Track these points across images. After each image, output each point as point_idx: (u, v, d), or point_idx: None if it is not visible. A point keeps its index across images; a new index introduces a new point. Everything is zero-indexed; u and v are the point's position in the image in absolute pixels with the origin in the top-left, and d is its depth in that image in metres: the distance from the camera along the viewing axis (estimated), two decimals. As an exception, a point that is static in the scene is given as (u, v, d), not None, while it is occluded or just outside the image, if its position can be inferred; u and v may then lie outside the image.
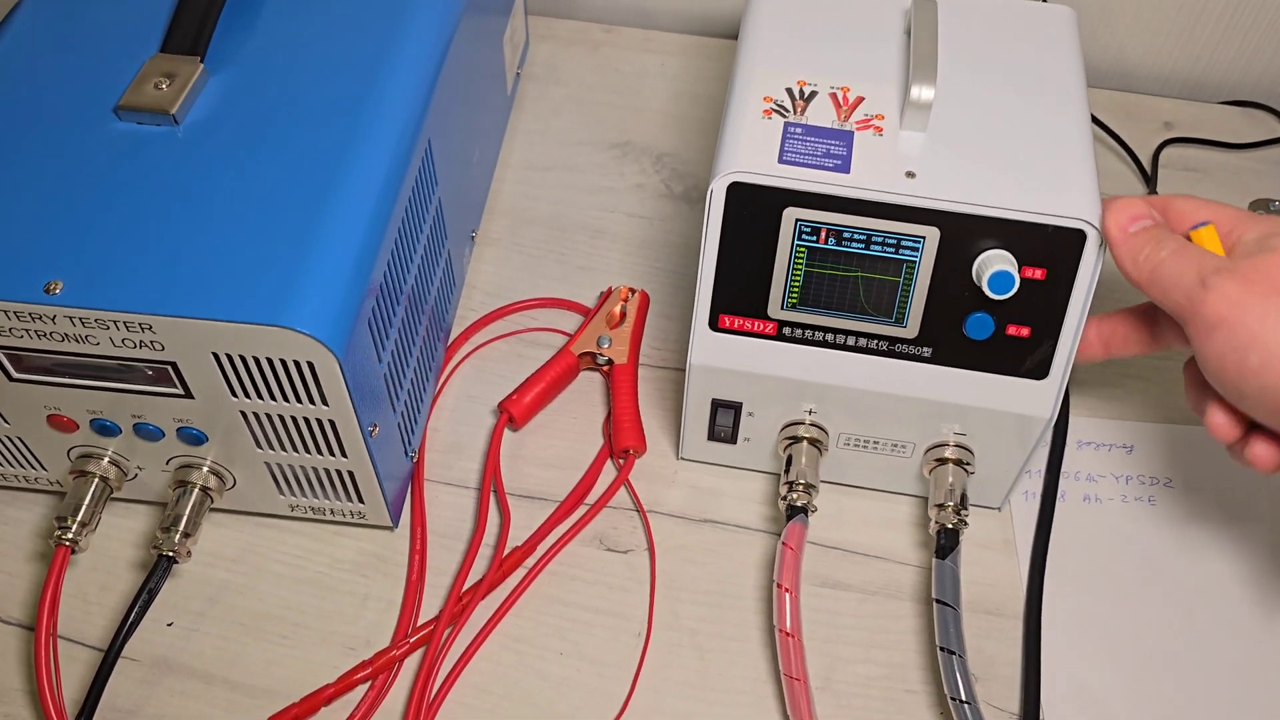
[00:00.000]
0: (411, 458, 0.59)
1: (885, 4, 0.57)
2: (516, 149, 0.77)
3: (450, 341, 0.66)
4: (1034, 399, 0.52)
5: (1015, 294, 0.48)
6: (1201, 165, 0.77)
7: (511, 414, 0.61)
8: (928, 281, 0.50)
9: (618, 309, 0.65)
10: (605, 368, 0.64)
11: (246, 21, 0.56)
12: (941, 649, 0.50)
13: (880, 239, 0.49)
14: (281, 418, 0.49)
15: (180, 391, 0.49)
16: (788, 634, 0.51)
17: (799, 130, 0.50)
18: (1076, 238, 0.48)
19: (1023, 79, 0.53)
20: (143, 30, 0.55)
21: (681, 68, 0.83)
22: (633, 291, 0.66)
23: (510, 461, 0.61)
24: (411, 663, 0.53)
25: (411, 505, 0.58)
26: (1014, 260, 0.48)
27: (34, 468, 0.55)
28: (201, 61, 0.53)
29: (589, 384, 0.65)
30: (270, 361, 0.46)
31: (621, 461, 0.60)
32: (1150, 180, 0.75)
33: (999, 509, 0.59)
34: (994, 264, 0.48)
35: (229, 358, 0.46)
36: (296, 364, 0.46)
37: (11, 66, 0.54)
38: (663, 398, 0.64)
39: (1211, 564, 0.57)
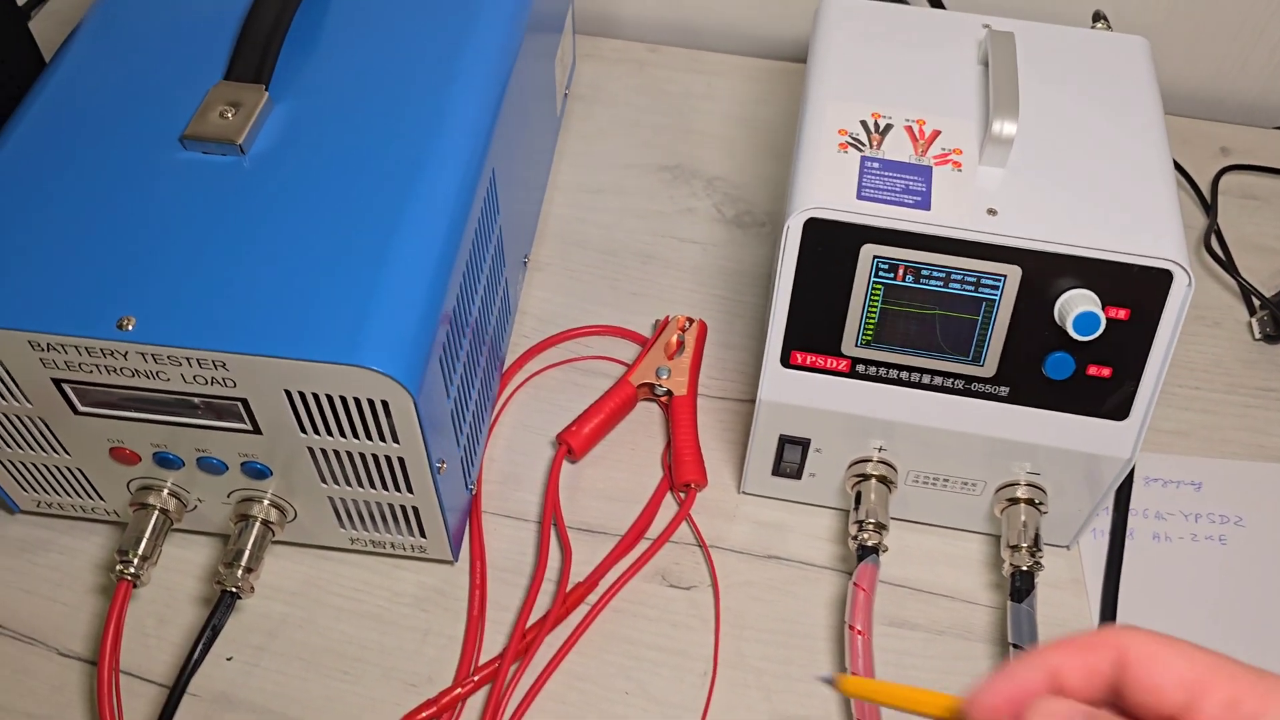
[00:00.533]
0: (471, 490, 0.58)
1: (955, 33, 0.56)
2: (563, 170, 0.77)
3: (504, 369, 0.65)
4: (1113, 440, 0.51)
5: (1098, 334, 0.47)
6: (1261, 193, 0.76)
7: (571, 445, 0.60)
8: (1008, 320, 0.49)
9: (675, 338, 0.64)
10: (664, 399, 0.63)
11: (309, 48, 0.56)
12: (1019, 695, 0.49)
13: (960, 277, 0.48)
14: (350, 454, 0.49)
15: (248, 427, 0.48)
16: (861, 678, 0.50)
17: (876, 165, 0.50)
18: (1163, 278, 0.47)
19: (1100, 112, 0.52)
20: (204, 57, 0.54)
21: (729, 89, 0.83)
22: (690, 321, 0.65)
23: (569, 493, 0.60)
24: (475, 701, 0.53)
25: (470, 539, 0.58)
26: (1098, 300, 0.47)
27: (92, 498, 0.55)
28: (266, 89, 0.52)
29: (646, 414, 0.64)
30: (344, 399, 0.45)
31: (683, 495, 0.59)
32: (1210, 209, 0.74)
33: (1068, 547, 0.58)
34: (1079, 304, 0.47)
35: (301, 395, 0.45)
36: (370, 402, 0.45)
37: (72, 94, 0.53)
38: (722, 429, 0.63)
39: (1285, 605, 0.56)
